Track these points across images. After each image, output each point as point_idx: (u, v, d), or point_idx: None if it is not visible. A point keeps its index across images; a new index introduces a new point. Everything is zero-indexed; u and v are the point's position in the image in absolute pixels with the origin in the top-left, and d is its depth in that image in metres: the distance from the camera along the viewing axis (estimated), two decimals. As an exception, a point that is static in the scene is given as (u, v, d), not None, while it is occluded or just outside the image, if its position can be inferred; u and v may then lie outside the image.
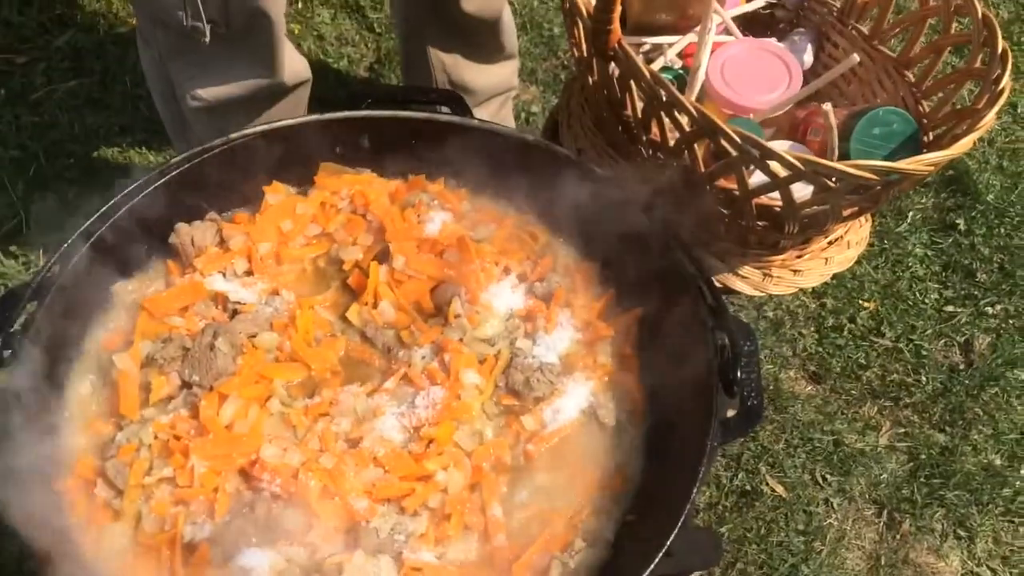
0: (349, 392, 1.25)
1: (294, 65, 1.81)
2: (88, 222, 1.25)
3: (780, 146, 1.40)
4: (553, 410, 1.26)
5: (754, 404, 1.13)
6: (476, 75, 2.23)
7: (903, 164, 1.43)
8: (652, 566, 1.04)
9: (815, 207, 1.57)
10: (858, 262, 2.57)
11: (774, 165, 1.46)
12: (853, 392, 2.38)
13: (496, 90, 2.34)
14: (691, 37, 1.81)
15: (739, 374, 1.14)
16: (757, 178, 1.54)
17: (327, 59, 2.89)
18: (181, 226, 1.36)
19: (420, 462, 1.18)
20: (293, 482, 1.15)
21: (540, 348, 1.31)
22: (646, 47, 1.83)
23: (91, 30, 2.80)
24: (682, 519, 1.07)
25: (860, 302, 2.53)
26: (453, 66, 2.20)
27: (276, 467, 1.15)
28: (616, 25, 1.48)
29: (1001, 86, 1.55)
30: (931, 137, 1.69)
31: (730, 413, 1.17)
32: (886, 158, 1.60)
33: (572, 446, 1.26)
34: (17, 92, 2.67)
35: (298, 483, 1.14)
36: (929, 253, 2.64)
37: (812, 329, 2.48)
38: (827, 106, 1.58)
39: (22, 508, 1.09)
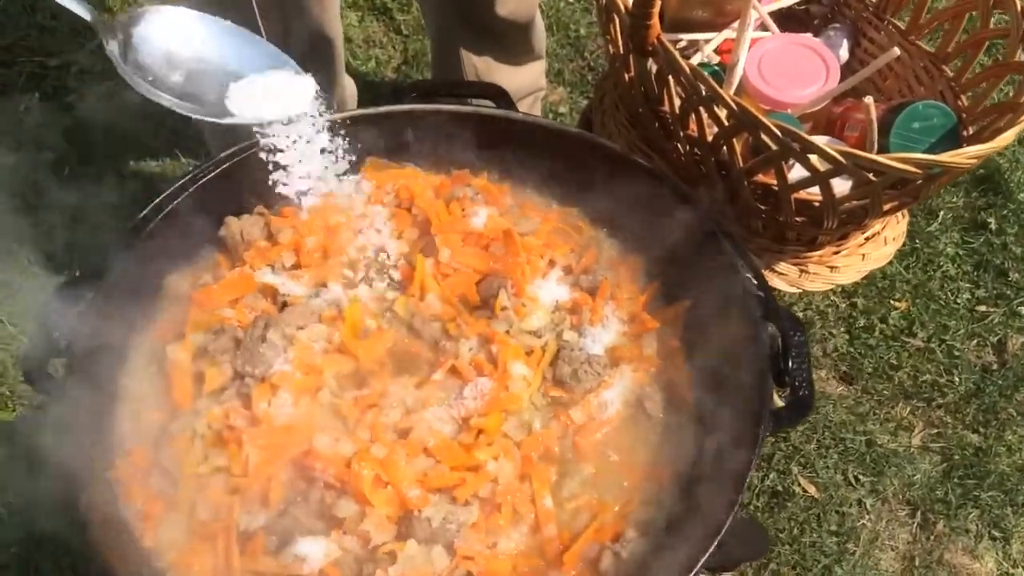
0: (398, 383, 1.26)
1: (348, 88, 1.83)
2: (140, 215, 1.27)
3: (822, 142, 1.40)
4: (601, 402, 1.26)
5: (805, 394, 1.13)
6: (507, 76, 2.26)
7: (945, 157, 1.43)
8: (706, 556, 1.04)
9: (855, 202, 1.57)
10: (889, 262, 2.57)
11: (814, 159, 1.46)
12: (885, 392, 2.37)
13: (526, 91, 2.38)
14: (727, 33, 1.82)
15: (790, 364, 1.14)
16: (796, 173, 1.55)
17: (355, 62, 2.91)
18: (230, 219, 1.37)
19: (470, 452, 1.19)
20: (346, 471, 1.15)
21: (587, 340, 1.31)
22: (682, 44, 1.84)
23: (124, 34, 2.82)
24: (735, 510, 1.07)
25: (891, 302, 2.52)
26: (485, 69, 2.24)
27: (329, 457, 1.16)
28: (655, 20, 1.48)
29: (1041, 79, 1.55)
30: (970, 131, 1.69)
31: (778, 404, 1.17)
32: (926, 152, 1.60)
33: (620, 437, 1.26)
34: (50, 95, 2.70)
35: (351, 472, 1.15)
36: (961, 252, 2.62)
37: (843, 329, 2.47)
38: (868, 99, 1.58)
39: (79, 499, 1.10)
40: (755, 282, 1.24)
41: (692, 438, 1.25)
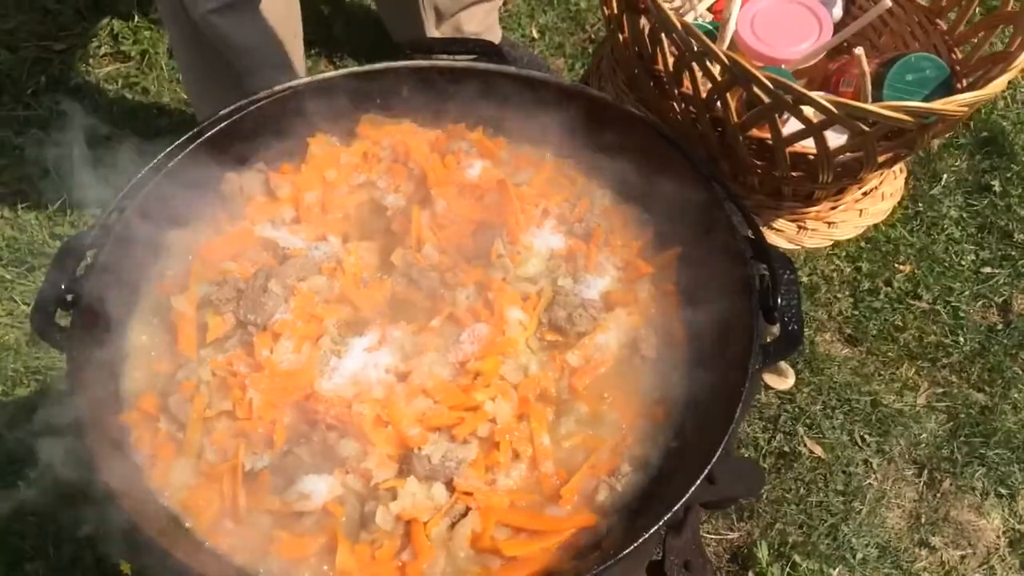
0: (397, 330, 1.28)
1: None
2: (141, 173, 1.30)
3: (816, 94, 1.41)
4: (596, 344, 1.29)
5: (794, 329, 1.15)
6: None
7: (937, 104, 1.44)
8: (694, 488, 1.06)
9: (849, 154, 1.58)
10: (892, 225, 2.58)
11: (808, 110, 1.48)
12: (890, 354, 2.38)
13: None
14: (721, -8, 1.83)
15: (779, 300, 1.16)
16: (791, 127, 1.56)
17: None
18: (231, 176, 1.40)
19: (468, 393, 1.21)
20: (347, 412, 1.18)
21: (581, 286, 1.33)
22: (676, 2, 1.85)
23: (127, 16, 2.86)
24: (724, 441, 1.09)
25: (896, 265, 2.53)
26: None
27: (330, 399, 1.19)
28: (648, -23, 1.50)
29: (1033, 28, 1.56)
30: (964, 83, 1.70)
31: (770, 341, 1.19)
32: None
33: (615, 378, 1.28)
34: (57, 78, 2.75)
35: (352, 413, 1.18)
36: (964, 215, 2.63)
37: (847, 293, 2.49)
38: (859, 50, 1.59)
39: (90, 443, 1.13)
40: (746, 222, 1.26)
41: (685, 376, 1.27)
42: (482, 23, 2.61)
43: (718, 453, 1.06)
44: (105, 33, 2.84)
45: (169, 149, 1.33)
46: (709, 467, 1.06)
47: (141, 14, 2.87)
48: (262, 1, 1.99)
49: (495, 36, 2.71)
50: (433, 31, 2.53)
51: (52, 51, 2.79)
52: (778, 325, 1.17)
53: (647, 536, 1.03)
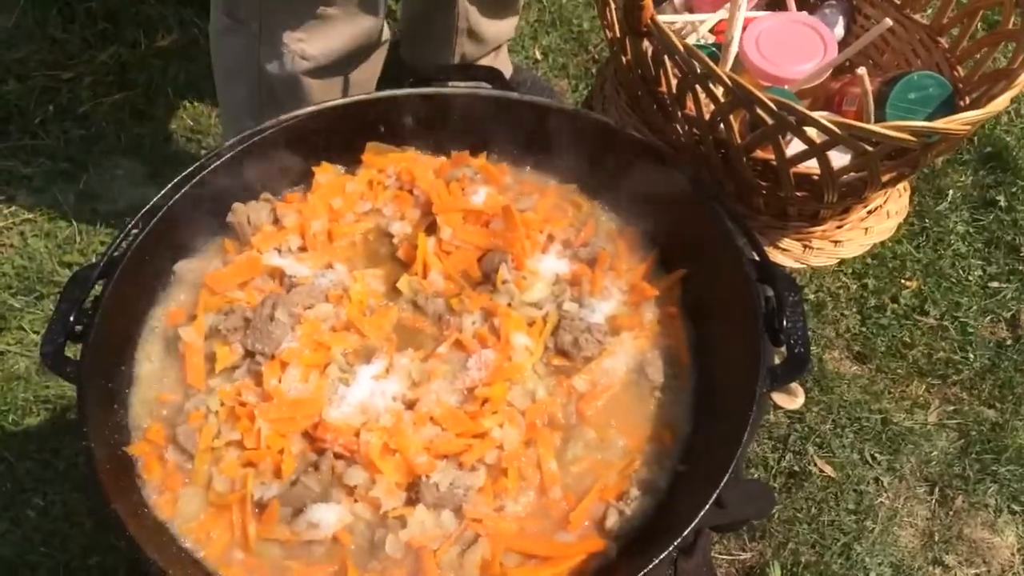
0: (403, 357, 1.29)
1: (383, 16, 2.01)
2: (149, 204, 1.31)
3: (819, 115, 1.42)
4: (602, 369, 1.29)
5: (800, 352, 1.15)
6: (487, 27, 2.55)
7: (940, 123, 1.45)
8: (703, 512, 1.06)
9: (853, 174, 1.59)
10: (899, 241, 2.58)
11: (811, 131, 1.48)
12: (899, 371, 2.37)
13: (499, 40, 2.62)
14: (722, 14, 1.84)
15: (784, 323, 1.16)
16: (794, 148, 1.57)
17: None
18: (237, 206, 1.41)
19: (476, 420, 1.22)
20: (355, 441, 1.18)
21: (587, 310, 1.34)
22: (678, 25, 1.86)
23: (134, 45, 2.89)
24: (732, 466, 1.08)
25: (902, 281, 2.52)
26: (475, 19, 2.51)
27: (338, 427, 1.19)
28: (648, 1, 1.51)
29: (1035, 45, 1.56)
30: (967, 101, 1.70)
31: (777, 363, 1.19)
32: (924, 121, 1.61)
33: (622, 402, 1.28)
34: (64, 107, 2.77)
35: (360, 442, 1.18)
36: (971, 230, 2.63)
37: (854, 310, 2.48)
38: (861, 70, 1.60)
39: (99, 475, 1.14)
40: (751, 245, 1.26)
41: (692, 400, 1.27)
42: (493, 62, 2.68)
43: (726, 477, 1.06)
44: (112, 61, 2.86)
45: (176, 180, 1.34)
46: (718, 491, 1.06)
47: (148, 43, 2.90)
48: (360, 66, 2.04)
49: (507, 71, 2.78)
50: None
51: (60, 80, 2.82)
52: (785, 347, 1.17)
53: (656, 562, 1.03)
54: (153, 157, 2.69)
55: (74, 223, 2.54)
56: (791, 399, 2.31)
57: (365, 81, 2.06)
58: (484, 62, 2.63)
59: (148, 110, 2.79)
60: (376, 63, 2.08)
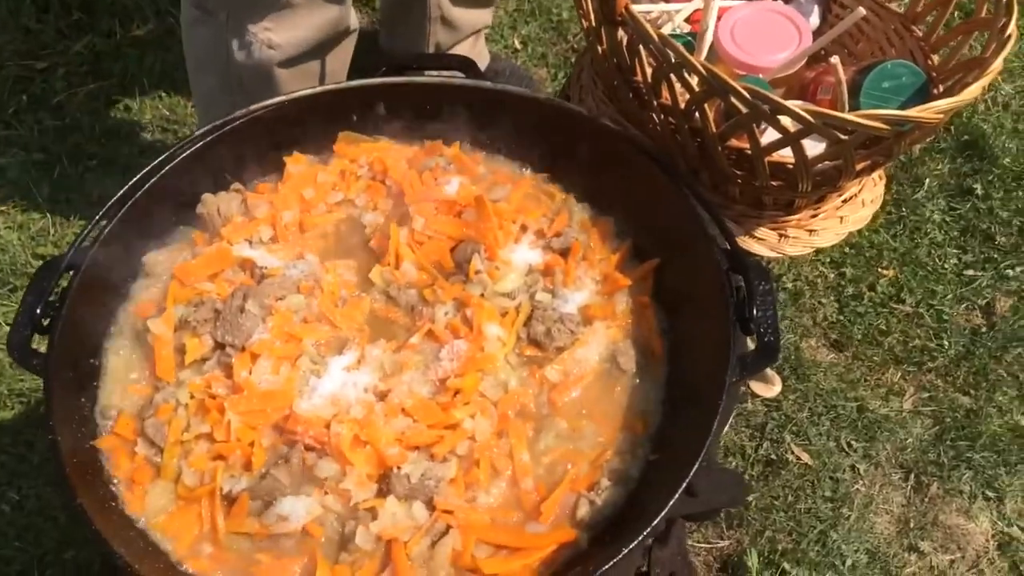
0: (376, 348, 1.28)
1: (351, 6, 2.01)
2: (118, 194, 1.29)
3: (793, 104, 1.42)
4: (575, 359, 1.29)
5: (770, 340, 1.15)
6: (460, 15, 2.54)
7: (913, 112, 1.45)
8: (673, 500, 1.06)
9: (828, 162, 1.59)
10: (876, 230, 2.59)
11: (785, 120, 1.48)
12: (875, 359, 2.38)
13: (473, 28, 2.60)
14: (697, 3, 1.84)
15: (755, 312, 1.16)
16: (769, 137, 1.57)
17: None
18: (207, 197, 1.40)
19: (447, 411, 1.21)
20: (325, 433, 1.18)
21: (560, 300, 1.33)
22: (653, 14, 1.86)
23: (109, 35, 2.86)
24: (702, 455, 1.09)
25: (879, 270, 2.53)
26: (447, 7, 2.49)
27: (309, 419, 1.19)
28: (622, -10, 1.50)
29: (1008, 33, 1.56)
30: (941, 89, 1.70)
31: (747, 352, 1.19)
32: (897, 110, 1.61)
33: (594, 392, 1.28)
34: (38, 97, 2.74)
35: (330, 434, 1.17)
36: (947, 219, 2.64)
37: (832, 298, 2.49)
38: (834, 59, 1.60)
39: (67, 469, 1.13)
40: (722, 234, 1.26)
41: (664, 389, 1.28)
42: (471, 51, 2.66)
43: (696, 466, 1.06)
44: (87, 51, 2.83)
45: (146, 170, 1.33)
46: (687, 481, 1.06)
47: (123, 33, 2.87)
48: (329, 55, 2.03)
49: (484, 60, 2.76)
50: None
51: (34, 70, 2.78)
52: (755, 336, 1.17)
53: (625, 552, 1.03)
54: (129, 148, 2.66)
55: (48, 214, 2.51)
56: (768, 387, 2.32)
57: (336, 71, 2.05)
58: (460, 50, 2.61)
59: (123, 100, 2.76)
60: (346, 52, 2.07)
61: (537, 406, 1.26)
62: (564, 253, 1.38)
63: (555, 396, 1.27)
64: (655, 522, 1.04)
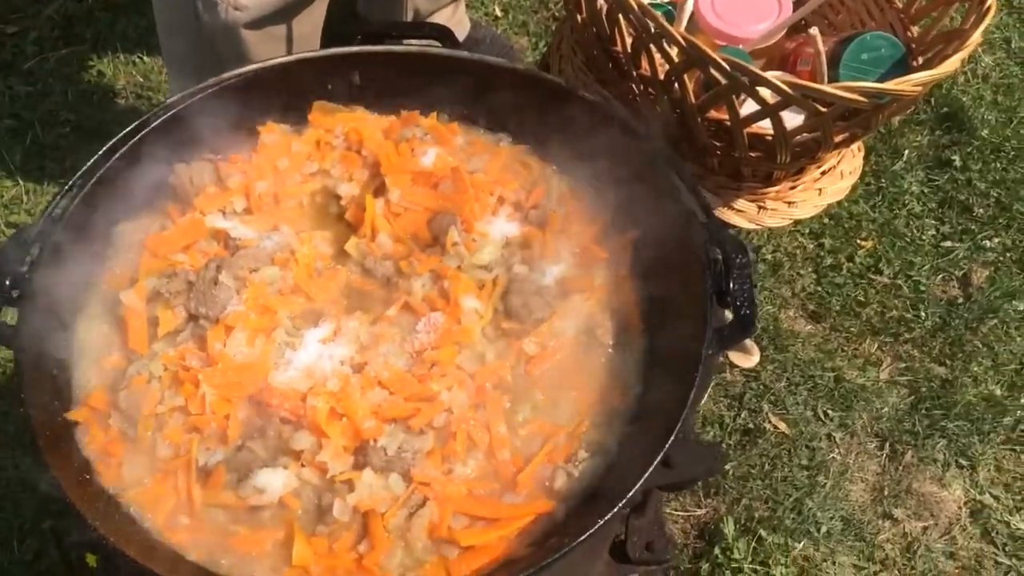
0: (352, 320, 1.27)
1: None
2: (88, 164, 1.27)
3: (772, 75, 1.41)
4: (552, 331, 1.29)
5: (747, 314, 1.15)
6: None
7: (890, 85, 1.45)
8: (649, 471, 1.07)
9: (806, 134, 1.59)
10: (855, 201, 2.60)
11: (763, 91, 1.47)
12: (853, 329, 2.40)
13: None
14: (679, -29, 1.82)
15: (731, 285, 1.16)
16: (748, 108, 1.56)
17: None
18: (179, 166, 1.38)
19: (424, 383, 1.21)
20: (301, 405, 1.18)
21: (537, 273, 1.33)
22: (634, -17, 1.84)
23: (80, -1, 2.81)
24: (678, 427, 1.09)
25: (858, 241, 2.55)
26: None
27: (284, 392, 1.18)
28: (602, -43, 1.49)
29: (987, 5, 1.56)
30: (920, 61, 1.70)
31: (723, 325, 1.19)
32: (876, 82, 1.61)
33: (572, 364, 1.28)
34: (8, 62, 2.69)
35: (306, 406, 1.17)
36: (926, 190, 2.65)
37: (810, 269, 2.50)
38: (813, 30, 1.60)
39: (39, 442, 1.12)
40: (700, 208, 1.26)
41: (641, 362, 1.28)
42: (450, 19, 2.62)
43: (671, 439, 1.07)
44: (58, 16, 2.77)
45: (116, 139, 1.30)
46: (663, 453, 1.07)
47: (95, -4, 2.81)
48: (297, 18, 1.98)
49: (464, 28, 2.72)
50: None
51: (4, 34, 2.73)
52: (732, 309, 1.18)
53: (601, 524, 1.04)
54: (102, 114, 2.62)
55: (20, 182, 2.47)
56: (747, 358, 2.33)
57: (306, 35, 2.01)
58: (440, 17, 2.58)
59: (96, 65, 2.72)
60: (316, 15, 2.03)
61: (514, 378, 1.26)
62: (542, 225, 1.38)
63: (532, 368, 1.27)
64: (630, 494, 1.05)
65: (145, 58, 2.74)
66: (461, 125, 1.49)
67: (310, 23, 2.03)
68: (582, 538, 1.05)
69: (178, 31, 2.01)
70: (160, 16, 2.05)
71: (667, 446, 1.06)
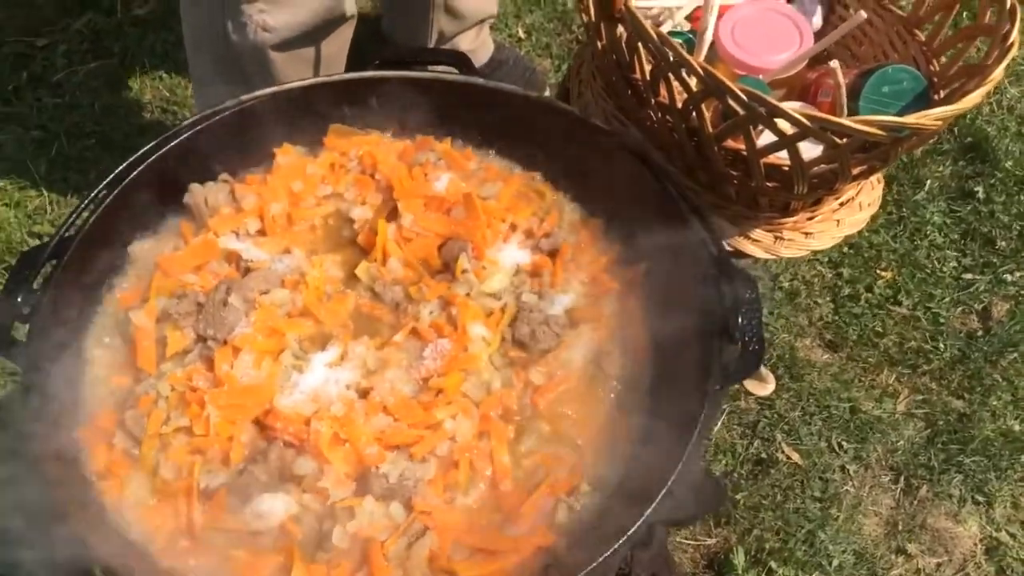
0: (359, 345, 1.28)
1: None
2: (104, 183, 1.29)
3: (790, 107, 1.40)
4: (559, 361, 1.28)
5: (755, 349, 1.14)
6: (465, 3, 2.52)
7: (910, 119, 1.43)
8: (651, 509, 1.06)
9: (823, 165, 1.58)
10: (875, 231, 2.58)
11: (781, 123, 1.46)
12: (870, 360, 2.38)
13: (477, 17, 2.58)
14: (698, 1, 1.82)
15: (739, 320, 1.15)
16: (765, 139, 1.55)
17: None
18: (195, 187, 1.39)
19: (429, 410, 1.21)
20: (305, 430, 1.18)
21: (546, 302, 1.33)
22: (654, 11, 1.84)
23: (109, 13, 2.84)
24: (680, 464, 1.08)
25: (877, 271, 2.52)
26: None
27: (289, 416, 1.19)
28: (621, -14, 1.48)
29: (1010, 41, 1.54)
30: (941, 95, 1.69)
31: (730, 360, 1.18)
32: (896, 115, 1.60)
33: (578, 396, 1.28)
34: (38, 74, 2.73)
35: (310, 431, 1.17)
36: (948, 221, 2.62)
37: (828, 298, 2.48)
38: (834, 63, 1.58)
39: (44, 458, 1.13)
40: (711, 242, 1.25)
41: (648, 395, 1.27)
42: (474, 41, 2.65)
43: (674, 475, 1.06)
44: (88, 29, 2.82)
45: (131, 159, 1.32)
46: (666, 489, 1.06)
47: (124, 11, 2.85)
48: (325, 40, 2.01)
49: (487, 50, 2.74)
50: None
51: (35, 47, 2.77)
52: (740, 344, 1.17)
53: (602, 560, 1.03)
54: (127, 127, 2.65)
55: (45, 193, 2.50)
56: (762, 386, 2.32)
57: (332, 56, 2.03)
58: (465, 39, 2.59)
59: (123, 79, 2.75)
60: (343, 38, 2.05)
61: (520, 408, 1.26)
62: (552, 254, 1.38)
63: (538, 399, 1.26)
64: (631, 531, 1.04)
65: (172, 73, 2.77)
66: (475, 151, 1.50)
67: (336, 44, 2.05)
68: (581, 574, 1.04)
69: (206, 48, 2.03)
70: (188, 32, 2.08)
71: (670, 483, 1.05)
